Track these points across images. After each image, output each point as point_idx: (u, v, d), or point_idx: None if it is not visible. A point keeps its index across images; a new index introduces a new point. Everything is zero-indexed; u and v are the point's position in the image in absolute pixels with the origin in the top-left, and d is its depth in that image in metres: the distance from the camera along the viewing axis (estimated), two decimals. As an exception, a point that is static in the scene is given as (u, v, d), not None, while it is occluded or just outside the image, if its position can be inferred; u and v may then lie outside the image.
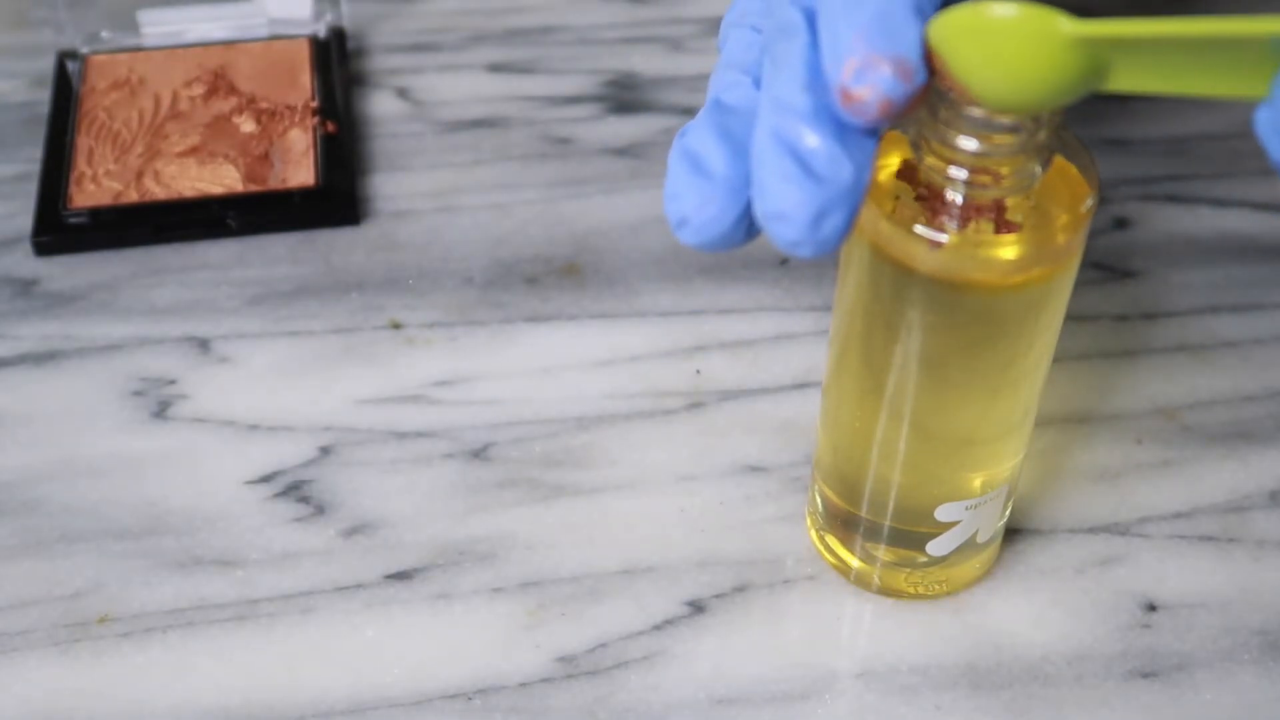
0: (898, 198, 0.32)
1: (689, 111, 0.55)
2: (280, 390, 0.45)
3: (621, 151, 0.53)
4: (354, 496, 0.42)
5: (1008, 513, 0.39)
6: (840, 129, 0.30)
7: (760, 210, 0.30)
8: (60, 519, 0.42)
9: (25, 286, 0.48)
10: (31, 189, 0.51)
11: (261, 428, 0.44)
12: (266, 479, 0.43)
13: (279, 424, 0.44)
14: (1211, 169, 0.53)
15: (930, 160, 0.31)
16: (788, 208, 0.29)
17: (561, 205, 0.51)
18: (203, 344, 0.46)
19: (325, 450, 0.43)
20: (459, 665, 0.38)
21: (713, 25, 0.59)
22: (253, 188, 0.50)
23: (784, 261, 0.49)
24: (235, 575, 0.40)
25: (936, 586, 0.40)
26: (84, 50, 0.55)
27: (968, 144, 0.30)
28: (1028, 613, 0.40)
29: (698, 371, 0.46)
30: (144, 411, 0.44)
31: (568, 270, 0.49)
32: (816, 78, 0.30)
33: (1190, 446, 0.44)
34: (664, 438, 0.44)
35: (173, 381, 0.45)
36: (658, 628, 0.39)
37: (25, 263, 0.49)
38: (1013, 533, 0.42)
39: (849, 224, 0.30)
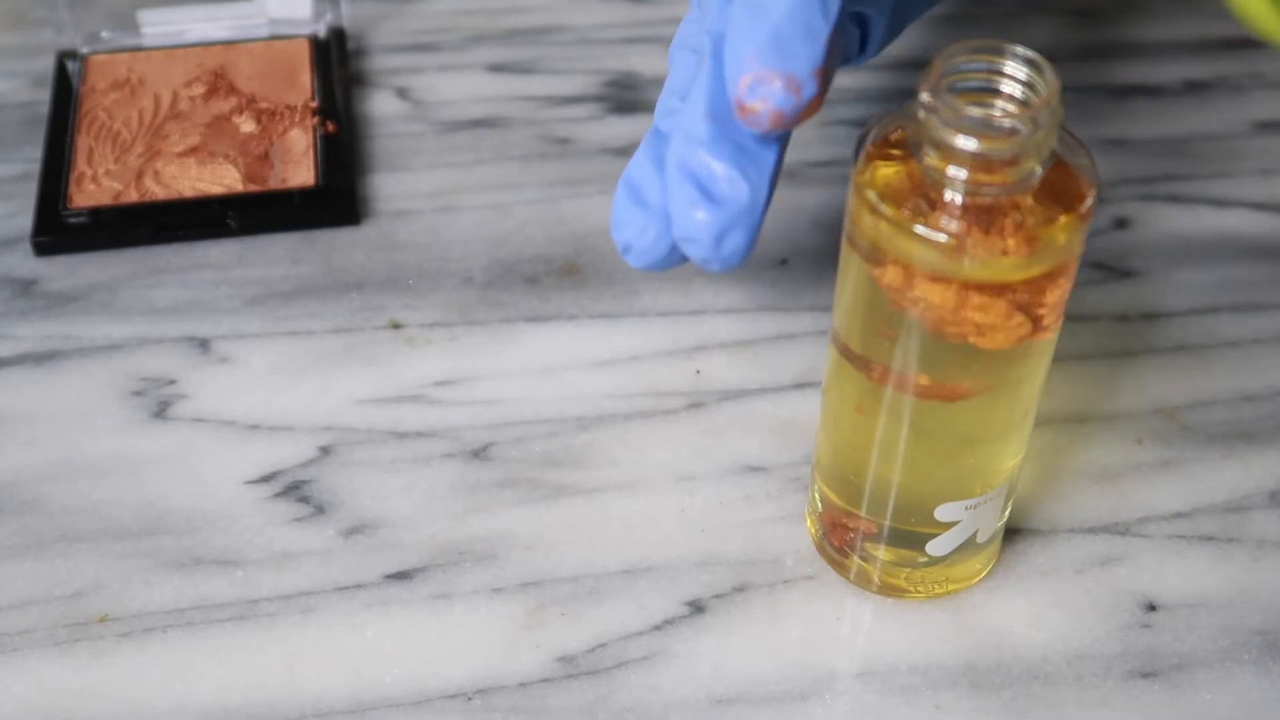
0: (897, 198, 0.32)
1: (689, 111, 0.55)
2: (280, 390, 0.45)
3: (621, 151, 0.53)
4: (354, 496, 0.42)
5: (1007, 513, 0.39)
6: (738, 152, 0.32)
7: (675, 234, 0.33)
8: (60, 519, 0.42)
9: (25, 286, 0.48)
10: (32, 189, 0.51)
11: (261, 428, 0.44)
12: (266, 479, 0.43)
13: (279, 424, 0.44)
14: (1211, 169, 0.53)
15: (930, 160, 0.31)
16: (693, 231, 0.32)
17: (561, 205, 0.51)
18: (203, 344, 0.46)
19: (325, 450, 0.43)
20: (459, 665, 0.38)
21: (713, 25, 0.59)
22: (253, 188, 0.50)
23: (783, 262, 0.49)
24: (235, 575, 0.40)
25: (936, 586, 0.40)
26: (84, 50, 0.55)
27: (967, 144, 0.30)
28: (1028, 613, 0.40)
29: (698, 371, 0.46)
30: (144, 411, 0.44)
31: (568, 270, 0.49)
32: (716, 104, 0.33)
33: (1190, 446, 0.44)
34: (664, 438, 0.44)
35: (173, 381, 0.45)
36: (657, 628, 0.39)
37: (25, 263, 0.49)
38: (1013, 533, 0.42)
39: (750, 242, 0.33)
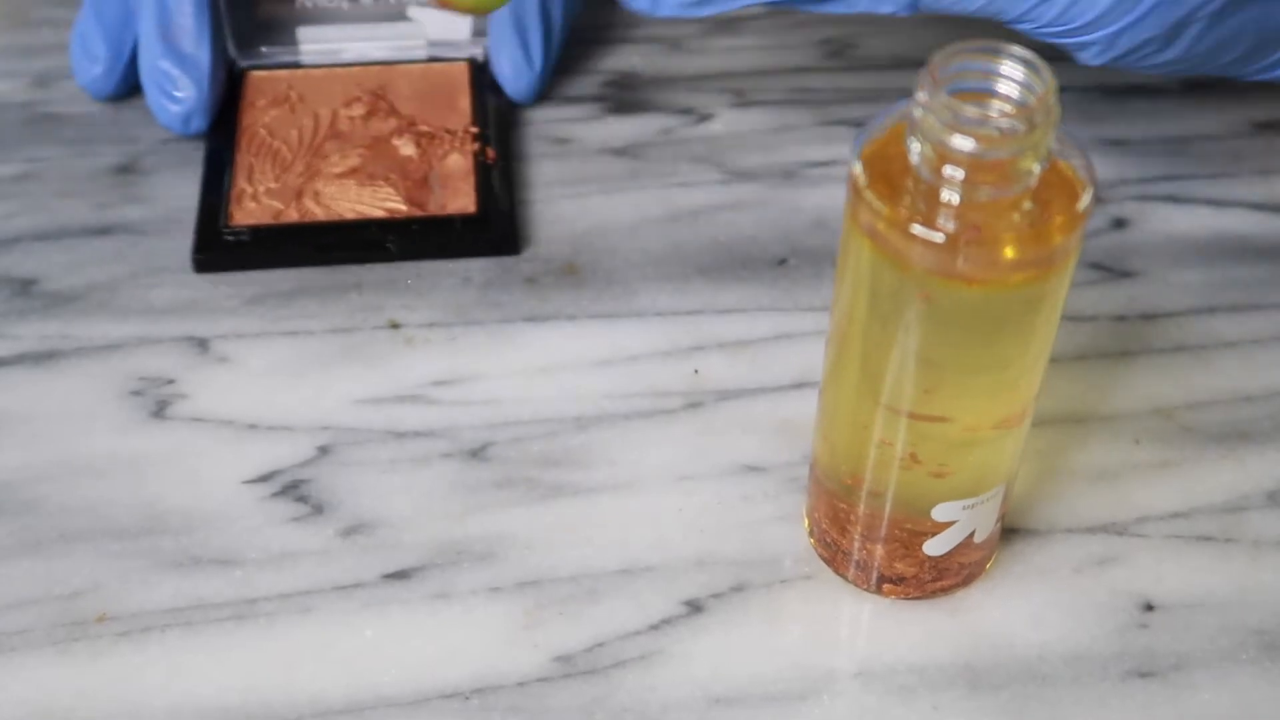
0: (895, 198, 0.32)
1: (689, 111, 0.55)
2: (279, 390, 0.45)
3: (621, 151, 0.53)
4: (352, 496, 0.42)
5: (1005, 512, 0.39)
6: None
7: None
8: (59, 519, 0.42)
9: (24, 286, 0.48)
10: (32, 189, 0.51)
11: (260, 427, 0.44)
12: (265, 479, 0.43)
13: (277, 424, 0.44)
14: (1210, 169, 0.53)
15: (927, 160, 0.31)
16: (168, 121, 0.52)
17: (561, 205, 0.51)
18: (201, 344, 0.46)
19: (324, 450, 0.43)
20: (457, 665, 0.39)
21: (713, 25, 0.59)
22: (415, 212, 0.49)
23: (783, 262, 0.49)
24: (233, 575, 0.40)
25: (934, 586, 0.40)
26: (241, 65, 0.54)
27: (964, 144, 0.30)
28: (1025, 613, 0.40)
29: (696, 371, 0.46)
30: (143, 411, 0.44)
31: (567, 270, 0.49)
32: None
33: (1188, 447, 0.44)
34: (662, 438, 0.44)
35: (171, 381, 0.45)
36: (655, 628, 0.39)
37: (24, 262, 0.49)
38: (1010, 532, 0.42)
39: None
